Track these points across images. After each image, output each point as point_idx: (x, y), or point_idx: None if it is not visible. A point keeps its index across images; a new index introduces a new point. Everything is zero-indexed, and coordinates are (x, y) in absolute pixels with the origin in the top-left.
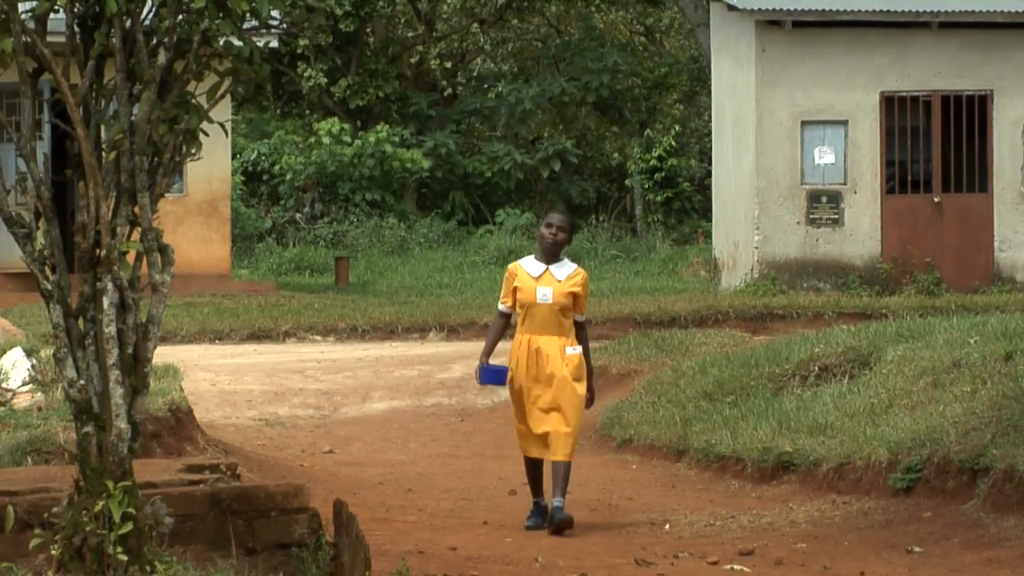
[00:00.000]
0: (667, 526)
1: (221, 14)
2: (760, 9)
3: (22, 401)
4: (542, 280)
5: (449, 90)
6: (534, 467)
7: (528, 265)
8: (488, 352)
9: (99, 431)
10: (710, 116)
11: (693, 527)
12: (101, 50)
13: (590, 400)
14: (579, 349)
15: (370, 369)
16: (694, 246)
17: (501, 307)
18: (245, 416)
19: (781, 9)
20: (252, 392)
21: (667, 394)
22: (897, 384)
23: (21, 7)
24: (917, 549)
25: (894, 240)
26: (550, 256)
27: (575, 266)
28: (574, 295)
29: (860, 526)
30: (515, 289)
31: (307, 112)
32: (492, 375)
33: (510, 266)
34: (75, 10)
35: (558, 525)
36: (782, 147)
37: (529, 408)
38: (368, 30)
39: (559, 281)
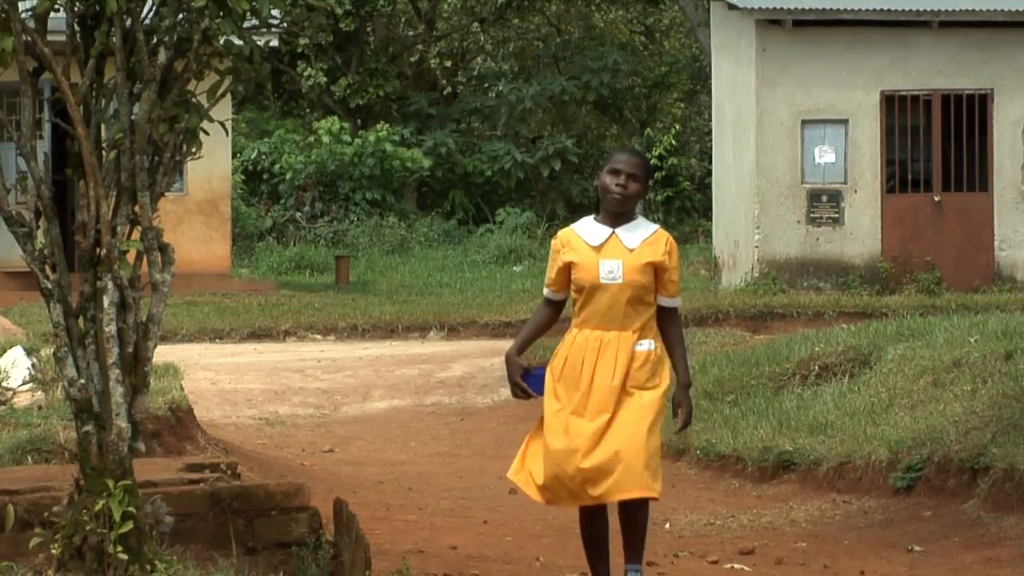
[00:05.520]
0: (667, 525)
1: (221, 13)
2: (760, 8)
3: (22, 400)
4: (606, 250)
5: (449, 89)
6: (591, 523)
7: (585, 230)
8: (521, 346)
9: (99, 430)
10: (710, 115)
11: (693, 526)
12: (101, 49)
13: (685, 421)
14: (651, 345)
15: (370, 368)
16: (694, 245)
17: (547, 293)
18: (245, 415)
19: (781, 8)
20: (252, 391)
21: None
22: (897, 383)
23: (21, 6)
24: (917, 548)
25: (894, 239)
26: (616, 216)
27: (655, 226)
28: (656, 267)
29: (860, 525)
30: (568, 265)
31: (307, 111)
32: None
33: (559, 234)
34: (75, 9)
35: None
36: (782, 146)
37: (563, 432)
38: (368, 29)
39: (631, 250)
